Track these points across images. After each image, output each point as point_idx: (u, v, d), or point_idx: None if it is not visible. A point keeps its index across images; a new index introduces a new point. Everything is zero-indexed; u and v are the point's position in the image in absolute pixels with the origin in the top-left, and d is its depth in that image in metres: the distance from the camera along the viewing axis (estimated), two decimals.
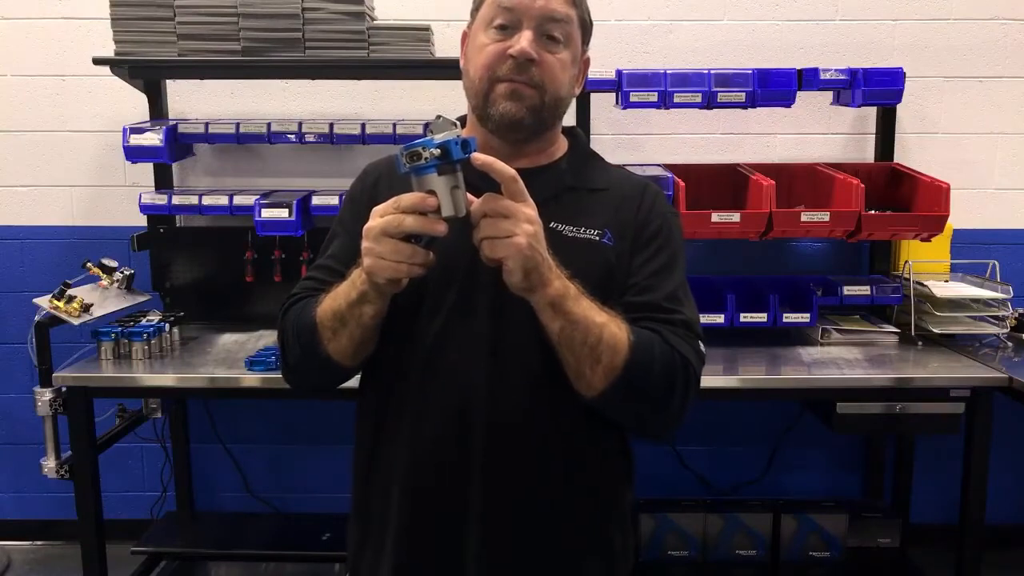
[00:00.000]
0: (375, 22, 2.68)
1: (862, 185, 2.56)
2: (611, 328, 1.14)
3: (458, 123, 1.07)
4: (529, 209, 1.09)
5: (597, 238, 1.26)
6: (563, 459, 1.25)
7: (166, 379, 2.43)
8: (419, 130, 2.67)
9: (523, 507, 1.24)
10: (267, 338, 2.73)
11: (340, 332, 1.19)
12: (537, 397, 1.22)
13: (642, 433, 1.29)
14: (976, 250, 2.97)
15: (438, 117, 1.07)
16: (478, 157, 1.06)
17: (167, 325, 2.60)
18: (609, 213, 1.28)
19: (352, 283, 1.16)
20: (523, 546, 1.24)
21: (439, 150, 1.03)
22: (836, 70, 2.69)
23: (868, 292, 2.70)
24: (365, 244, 1.09)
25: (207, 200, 2.71)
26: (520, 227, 1.06)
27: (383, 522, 1.28)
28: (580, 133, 1.41)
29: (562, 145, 1.36)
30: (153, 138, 2.67)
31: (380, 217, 1.07)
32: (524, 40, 1.20)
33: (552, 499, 1.25)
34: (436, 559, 1.25)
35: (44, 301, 2.51)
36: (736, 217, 2.55)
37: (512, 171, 1.08)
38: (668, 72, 2.67)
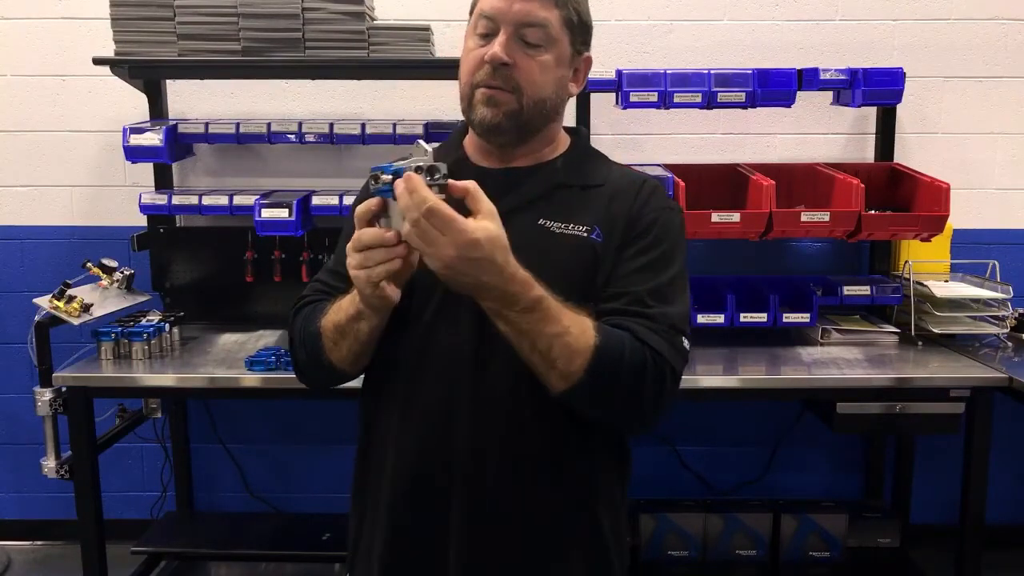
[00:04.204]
0: (375, 22, 2.68)
1: (862, 185, 2.56)
2: (566, 339, 1.13)
3: (430, 150, 1.09)
4: (475, 223, 1.06)
5: (585, 234, 1.26)
6: (548, 455, 1.25)
7: (166, 379, 2.43)
8: (419, 130, 2.67)
9: (507, 507, 1.24)
10: (267, 338, 2.73)
11: (340, 343, 1.24)
12: (520, 397, 1.22)
13: (616, 428, 1.29)
14: (976, 250, 2.97)
15: (417, 143, 1.11)
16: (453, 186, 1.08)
17: (167, 325, 2.60)
18: (600, 209, 1.28)
19: (351, 300, 1.20)
20: (506, 545, 1.25)
21: (392, 176, 1.08)
22: (836, 70, 2.69)
23: (868, 292, 2.70)
24: (357, 287, 1.13)
25: (207, 200, 2.71)
26: (443, 249, 1.04)
27: (375, 512, 1.32)
28: (583, 132, 1.41)
29: (561, 144, 1.36)
30: (153, 138, 2.67)
31: (354, 255, 1.11)
32: (496, 45, 1.22)
33: (537, 495, 1.25)
34: (422, 553, 1.28)
35: (44, 301, 2.51)
36: (736, 217, 2.55)
37: (465, 184, 1.09)
38: (668, 72, 2.67)
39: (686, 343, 1.24)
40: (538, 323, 1.12)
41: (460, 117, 1.33)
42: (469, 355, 1.23)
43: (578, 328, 1.14)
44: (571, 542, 1.28)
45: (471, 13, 1.30)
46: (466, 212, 1.08)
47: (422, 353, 1.26)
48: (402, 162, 1.09)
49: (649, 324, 1.20)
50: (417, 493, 1.26)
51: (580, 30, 1.29)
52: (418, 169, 1.06)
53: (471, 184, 1.09)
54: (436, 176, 1.07)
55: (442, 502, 1.25)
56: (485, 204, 1.08)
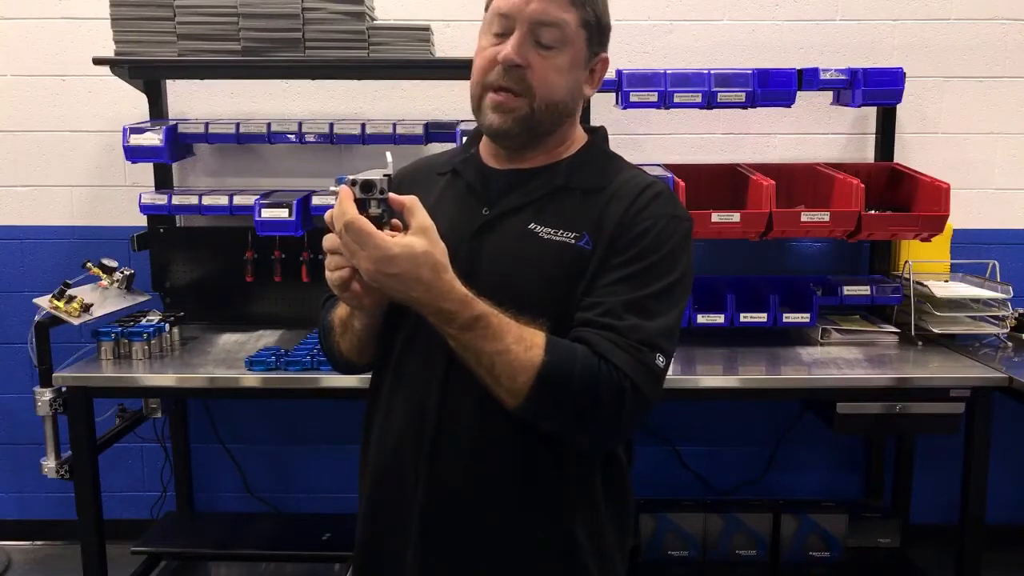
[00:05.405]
0: (375, 22, 2.68)
1: (862, 185, 2.56)
2: (508, 356, 1.11)
3: (391, 161, 1.14)
4: (396, 239, 1.06)
5: (573, 241, 1.21)
6: (511, 467, 1.22)
7: (166, 379, 2.43)
8: (419, 130, 2.67)
9: (463, 517, 1.24)
10: (267, 338, 2.73)
11: (344, 335, 1.30)
12: (489, 408, 1.18)
13: (577, 445, 1.23)
14: (976, 250, 2.97)
15: (385, 154, 1.16)
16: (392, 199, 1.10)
17: (167, 325, 2.60)
18: (595, 214, 1.23)
19: None
20: (463, 550, 1.24)
21: (337, 186, 1.12)
22: (836, 70, 2.69)
23: (868, 292, 2.70)
24: (332, 288, 1.18)
25: (207, 200, 2.71)
26: (362, 262, 1.06)
27: (359, 509, 1.38)
28: (601, 132, 1.37)
29: (575, 144, 1.32)
30: (153, 138, 2.67)
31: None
32: (510, 45, 1.19)
33: (498, 506, 1.24)
34: (387, 555, 1.31)
35: (44, 301, 2.51)
36: (736, 217, 2.55)
37: (403, 199, 1.09)
38: (668, 72, 2.68)
39: (660, 360, 1.17)
40: (478, 341, 1.11)
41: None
42: (441, 364, 1.21)
43: (523, 345, 1.12)
44: (536, 550, 1.24)
45: (486, 10, 1.26)
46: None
47: (402, 359, 1.27)
48: (362, 173, 1.10)
49: (614, 337, 1.14)
50: (385, 495, 1.30)
51: (597, 31, 1.25)
52: (353, 183, 1.08)
53: (408, 199, 1.09)
54: (372, 191, 1.08)
55: (407, 505, 1.25)
56: (418, 220, 1.08)
